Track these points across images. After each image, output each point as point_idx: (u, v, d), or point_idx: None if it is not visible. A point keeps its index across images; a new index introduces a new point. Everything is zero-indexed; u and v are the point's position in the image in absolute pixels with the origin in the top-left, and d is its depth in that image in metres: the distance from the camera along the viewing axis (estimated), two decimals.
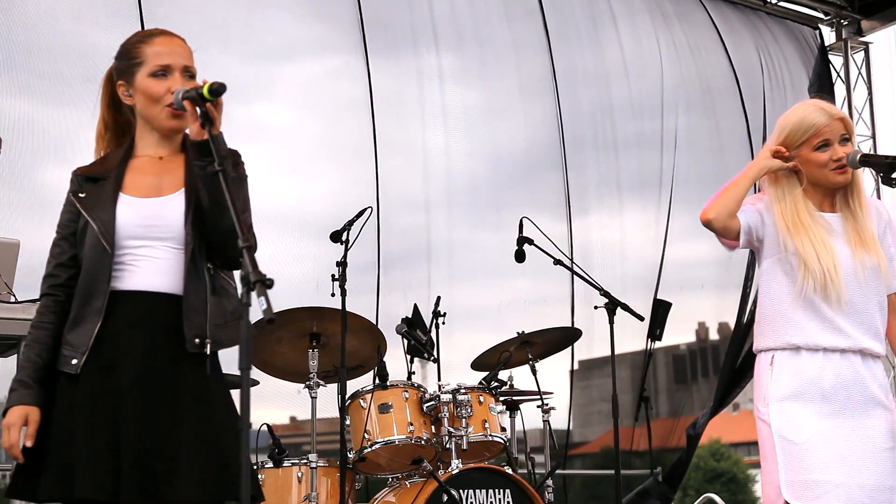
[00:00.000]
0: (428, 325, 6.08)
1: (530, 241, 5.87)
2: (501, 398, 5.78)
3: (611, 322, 5.73)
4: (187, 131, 3.17)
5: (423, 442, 5.29)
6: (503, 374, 5.93)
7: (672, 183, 9.69)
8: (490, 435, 5.42)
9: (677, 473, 9.55)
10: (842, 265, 3.61)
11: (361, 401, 5.33)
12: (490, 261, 8.77)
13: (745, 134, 10.15)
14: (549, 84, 9.33)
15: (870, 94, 11.19)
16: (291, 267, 8.19)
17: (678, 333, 11.27)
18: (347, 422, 5.35)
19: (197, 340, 3.05)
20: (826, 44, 11.21)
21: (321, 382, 5.30)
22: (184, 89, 3.02)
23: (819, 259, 3.59)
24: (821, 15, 11.28)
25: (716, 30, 10.28)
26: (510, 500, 5.24)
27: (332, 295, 5.08)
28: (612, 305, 5.72)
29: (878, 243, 3.71)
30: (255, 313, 5.22)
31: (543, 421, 6.01)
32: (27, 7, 7.25)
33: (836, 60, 11.23)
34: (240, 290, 2.67)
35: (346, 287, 5.08)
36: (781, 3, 10.97)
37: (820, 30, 11.27)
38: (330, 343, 5.34)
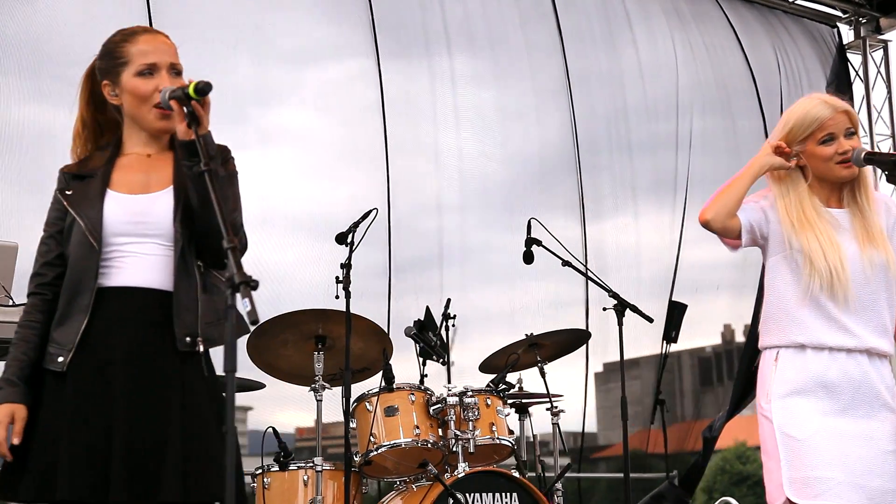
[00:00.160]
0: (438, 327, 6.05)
1: (538, 243, 5.82)
2: (510, 401, 5.74)
3: (619, 324, 5.68)
4: None
5: (429, 445, 5.25)
6: (513, 377, 5.90)
7: (687, 185, 9.63)
8: (498, 438, 5.37)
9: (693, 477, 9.48)
10: (849, 262, 3.55)
11: (367, 404, 5.29)
12: (504, 263, 8.73)
13: (762, 134, 10.05)
14: (562, 86, 9.29)
15: (889, 92, 11.09)
16: (309, 270, 8.19)
17: (704, 336, 11.23)
18: (353, 425, 5.33)
19: (188, 339, 3.03)
20: (844, 42, 11.11)
21: (327, 385, 5.27)
22: (170, 88, 2.98)
23: (825, 256, 3.53)
24: (839, 13, 11.18)
25: (732, 29, 10.22)
26: (517, 503, 5.20)
27: (337, 297, 5.04)
28: (621, 307, 5.67)
29: (886, 239, 3.65)
30: (265, 315, 5.26)
31: (553, 424, 5.97)
32: (43, 14, 7.28)
33: (854, 59, 11.13)
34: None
35: (350, 289, 5.04)
36: (799, 2, 10.89)
37: (838, 28, 11.18)
38: (336, 346, 5.31)
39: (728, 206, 3.57)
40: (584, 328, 8.46)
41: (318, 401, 5.25)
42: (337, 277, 5.07)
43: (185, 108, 2.93)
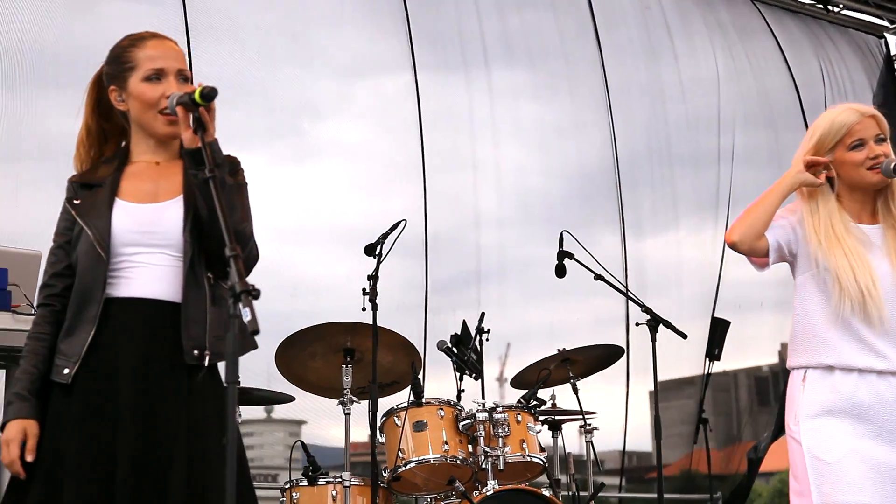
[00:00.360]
0: (471, 343, 5.96)
1: (571, 256, 5.72)
2: (543, 417, 5.64)
3: (653, 339, 5.56)
4: None
5: (458, 462, 5.16)
6: (546, 393, 5.81)
7: (730, 199, 9.50)
8: (528, 455, 5.27)
9: (738, 498, 9.34)
10: (881, 281, 3.43)
11: (396, 418, 5.21)
12: (545, 279, 8.64)
13: None
14: (602, 99, 9.20)
15: None
16: (358, 283, 8.17)
17: (761, 355, 11.08)
18: (382, 439, 5.25)
19: (195, 352, 2.97)
20: (892, 53, 10.93)
21: (355, 399, 5.20)
22: (178, 94, 2.94)
23: (856, 277, 3.40)
24: (886, 23, 11.00)
25: (775, 40, 10.08)
26: None
27: (363, 309, 4.97)
28: (654, 322, 5.55)
29: None
30: (293, 326, 5.22)
31: (586, 442, 5.86)
32: (92, 30, 7.33)
33: None
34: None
35: (376, 301, 4.97)
36: (844, 12, 10.72)
37: (885, 38, 11.00)
38: (364, 359, 5.25)
39: (756, 227, 3.46)
40: (624, 345, 8.34)
41: (346, 414, 5.19)
42: (364, 289, 5.00)
43: (191, 115, 2.87)
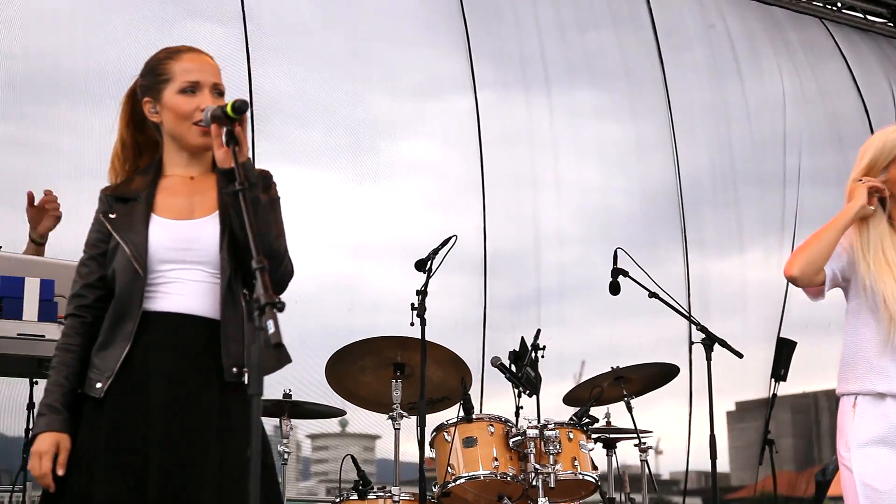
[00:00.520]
0: (526, 359, 5.94)
1: (625, 273, 5.68)
2: (596, 435, 5.61)
3: (708, 358, 5.48)
4: None
5: (508, 478, 5.13)
6: (601, 412, 5.78)
7: (796, 221, 9.38)
8: (580, 473, 5.22)
9: None
10: None
11: (446, 434, 5.20)
12: (607, 298, 8.62)
13: None
14: (664, 118, 9.15)
15: None
16: (439, 301, 8.23)
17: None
18: (431, 454, 5.25)
19: (234, 370, 2.97)
20: None
21: (404, 414, 5.20)
22: (212, 107, 2.94)
23: None
24: None
25: (844, 59, 9.95)
26: None
27: (412, 324, 4.97)
28: (709, 341, 5.48)
29: None
30: (350, 337, 5.25)
31: (641, 461, 5.81)
32: (149, 48, 7.44)
33: None
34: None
35: (425, 316, 4.96)
36: None
37: None
38: (414, 374, 5.24)
39: (816, 262, 3.40)
40: (687, 364, 8.29)
41: (395, 429, 5.19)
42: (412, 304, 5.00)
43: (224, 129, 2.89)
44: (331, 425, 8.32)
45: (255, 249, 2.66)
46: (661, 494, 6.83)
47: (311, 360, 5.89)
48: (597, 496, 5.57)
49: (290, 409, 5.36)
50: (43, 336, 3.83)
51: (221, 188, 3.00)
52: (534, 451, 5.15)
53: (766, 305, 9.32)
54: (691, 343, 8.14)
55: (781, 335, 8.99)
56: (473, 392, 8.06)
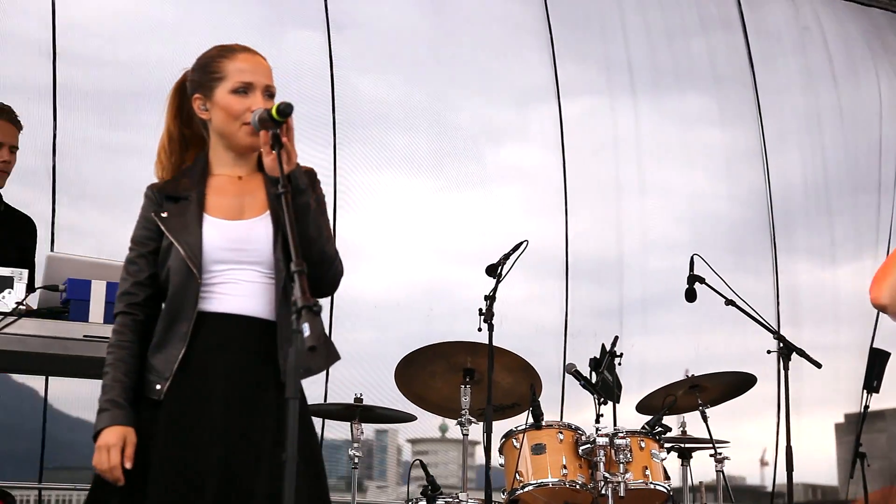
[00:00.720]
0: (602, 365, 5.88)
1: (701, 280, 5.59)
2: (669, 444, 5.52)
3: (785, 368, 5.37)
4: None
5: (577, 486, 5.08)
6: (676, 421, 5.69)
7: (891, 231, 9.15)
8: (651, 483, 5.15)
9: None
10: None
11: (514, 440, 5.17)
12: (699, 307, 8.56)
13: None
14: (754, 124, 8.99)
15: None
16: (533, 307, 8.25)
17: None
18: (501, 462, 5.23)
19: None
20: None
21: (472, 419, 5.18)
22: (260, 110, 2.95)
23: None
24: None
25: None
26: None
27: (479, 330, 4.95)
28: (787, 350, 5.36)
29: None
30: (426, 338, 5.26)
31: (717, 471, 5.70)
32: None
33: None
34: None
35: (493, 322, 4.94)
36: None
37: None
38: (484, 379, 5.21)
39: None
40: (779, 379, 8.14)
41: (464, 435, 5.18)
42: (480, 310, 4.97)
43: (270, 133, 2.90)
44: (432, 430, 8.36)
45: (294, 252, 2.67)
46: None
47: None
48: None
49: (361, 413, 5.36)
50: (108, 338, 3.88)
51: (270, 192, 3.01)
52: (604, 459, 5.09)
53: (859, 315, 9.11)
54: (780, 353, 8.04)
55: (875, 346, 8.80)
56: (555, 400, 8.06)
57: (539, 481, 5.07)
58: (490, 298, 5.00)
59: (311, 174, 3.12)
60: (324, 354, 3.13)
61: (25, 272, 3.93)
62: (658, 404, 5.55)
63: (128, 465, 2.91)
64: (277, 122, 2.88)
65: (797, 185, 9.20)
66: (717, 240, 8.86)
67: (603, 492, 5.06)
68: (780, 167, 9.11)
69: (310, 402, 6.57)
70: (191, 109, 3.17)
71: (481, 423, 5.22)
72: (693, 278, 5.60)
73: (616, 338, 5.94)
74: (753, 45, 9.22)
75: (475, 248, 8.02)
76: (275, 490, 2.86)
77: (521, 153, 8.72)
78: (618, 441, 5.10)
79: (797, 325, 8.75)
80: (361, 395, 5.41)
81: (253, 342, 2.99)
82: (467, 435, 5.19)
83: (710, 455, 5.69)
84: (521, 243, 5.19)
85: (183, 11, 7.84)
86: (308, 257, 2.96)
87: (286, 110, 2.87)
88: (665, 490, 5.21)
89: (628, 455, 5.09)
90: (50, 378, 6.87)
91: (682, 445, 5.69)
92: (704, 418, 5.55)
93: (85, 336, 3.90)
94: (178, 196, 3.09)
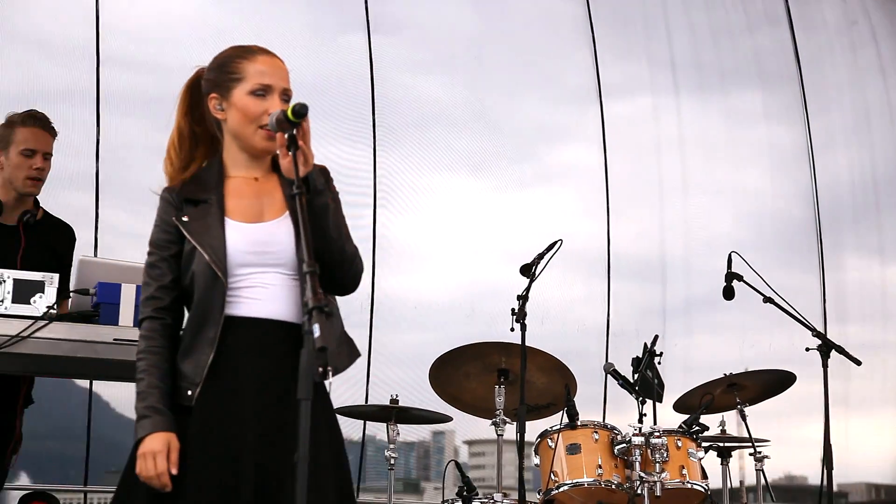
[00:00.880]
0: (641, 366, 5.84)
1: (739, 277, 5.53)
2: (707, 444, 5.47)
3: (824, 366, 5.31)
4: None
5: (613, 486, 5.05)
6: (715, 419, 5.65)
7: None
8: (689, 482, 5.10)
9: None
10: None
11: (549, 440, 5.15)
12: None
13: None
14: (800, 119, 8.90)
15: None
16: (589, 307, 8.25)
17: None
18: (536, 462, 5.22)
19: (320, 370, 3.00)
20: None
21: (507, 420, 5.17)
22: (277, 112, 2.92)
23: None
24: None
25: None
26: None
27: (511, 330, 4.93)
28: (826, 347, 5.30)
29: None
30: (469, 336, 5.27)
31: (757, 470, 5.65)
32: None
33: None
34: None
35: (525, 322, 4.91)
36: None
37: None
38: (518, 379, 5.20)
39: None
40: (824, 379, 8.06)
41: (498, 435, 5.16)
42: (512, 310, 4.95)
43: (286, 134, 2.89)
44: (489, 431, 8.37)
45: (307, 253, 2.68)
46: None
47: None
48: None
49: (397, 414, 5.37)
50: (137, 341, 3.91)
51: (287, 193, 3.00)
52: (639, 458, 5.06)
53: None
54: (819, 351, 7.96)
55: None
56: (598, 400, 8.04)
57: (574, 481, 5.04)
58: (523, 298, 4.98)
59: (324, 172, 3.07)
60: (346, 353, 3.16)
61: (56, 276, 3.96)
62: (696, 403, 5.51)
63: (173, 471, 2.88)
64: (293, 122, 2.87)
65: (845, 183, 9.09)
66: (763, 238, 8.78)
67: (639, 491, 5.02)
68: (827, 165, 9.01)
69: (351, 403, 6.64)
70: (203, 107, 3.14)
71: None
72: (731, 276, 5.54)
73: (656, 337, 5.90)
74: (800, 41, 9.12)
75: (517, 248, 8.03)
76: (313, 487, 2.88)
77: (563, 153, 8.72)
78: (654, 440, 5.06)
79: (844, 323, 8.65)
80: (397, 396, 5.42)
81: (281, 345, 2.98)
82: (502, 435, 5.17)
83: (750, 454, 5.64)
84: (556, 242, 5.16)
85: (227, 16, 7.92)
86: (330, 257, 3.00)
87: (301, 111, 2.84)
88: (703, 489, 5.16)
89: (664, 454, 5.05)
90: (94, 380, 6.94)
91: (721, 444, 5.63)
92: (743, 417, 5.50)
93: (115, 339, 3.92)
94: (197, 199, 3.06)
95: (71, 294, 4.07)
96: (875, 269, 9.10)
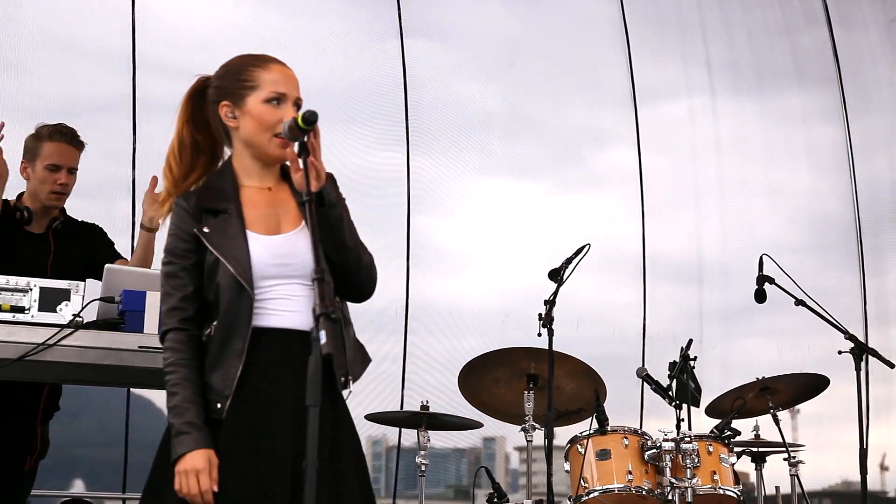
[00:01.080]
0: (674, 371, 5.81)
1: (771, 280, 5.49)
2: (740, 448, 5.43)
3: (857, 369, 5.25)
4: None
5: (643, 492, 5.01)
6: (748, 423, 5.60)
7: None
8: (720, 488, 5.05)
9: None
10: None
11: (579, 446, 5.12)
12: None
13: None
14: (839, 119, 8.82)
15: None
16: (630, 311, 8.22)
17: None
18: (566, 468, 5.19)
19: (342, 379, 3.02)
20: None
21: (536, 426, 5.15)
22: (289, 120, 2.93)
23: None
24: None
25: None
26: None
27: (539, 335, 4.91)
28: (859, 350, 5.24)
29: None
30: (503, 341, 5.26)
31: (791, 476, 5.60)
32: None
33: None
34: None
35: (553, 327, 4.89)
36: None
37: None
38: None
39: None
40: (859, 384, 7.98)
41: (528, 441, 5.15)
42: (539, 314, 4.93)
43: (297, 142, 2.91)
44: (539, 438, 8.34)
45: (315, 260, 2.70)
46: None
47: None
48: None
49: (427, 420, 5.37)
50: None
51: (300, 202, 2.99)
52: (670, 464, 5.02)
53: None
54: (852, 353, 7.88)
55: None
56: (635, 405, 7.99)
57: (604, 487, 5.01)
58: (550, 303, 4.96)
59: (332, 179, 3.07)
60: (359, 359, 3.16)
61: (83, 285, 3.99)
62: (728, 407, 5.46)
63: (215, 489, 2.86)
64: (304, 130, 2.88)
65: (885, 183, 8.99)
66: (802, 240, 8.71)
67: (670, 497, 4.98)
68: (867, 165, 8.92)
69: (386, 409, 6.65)
70: (207, 116, 3.15)
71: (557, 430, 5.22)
72: (762, 279, 5.50)
73: (690, 341, 5.86)
74: (839, 40, 9.03)
75: (551, 253, 8.01)
76: (339, 494, 2.92)
77: (599, 157, 8.69)
78: (684, 445, 5.02)
79: (886, 326, 8.56)
80: (428, 402, 5.42)
81: (303, 357, 2.92)
82: (531, 441, 5.16)
83: (784, 459, 5.59)
84: (584, 247, 5.15)
85: (261, 23, 7.96)
86: (348, 266, 3.05)
87: (311, 118, 2.85)
88: (735, 495, 5.11)
89: (695, 460, 5.01)
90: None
91: (755, 449, 5.59)
92: (776, 421, 5.45)
93: (140, 347, 3.93)
94: (215, 209, 3.05)
95: (94, 300, 4.09)
96: None
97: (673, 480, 4.98)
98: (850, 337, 5.29)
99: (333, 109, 7.66)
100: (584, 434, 5.13)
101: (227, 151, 3.19)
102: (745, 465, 5.69)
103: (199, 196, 3.08)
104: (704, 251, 8.76)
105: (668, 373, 5.62)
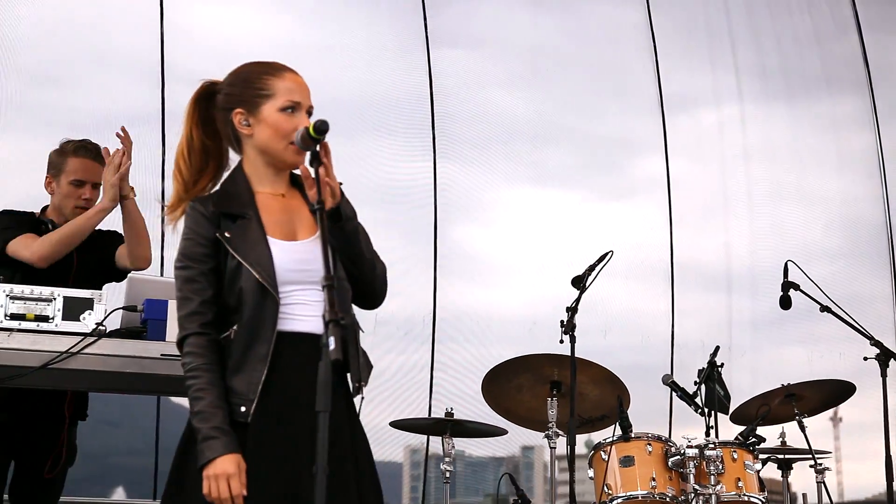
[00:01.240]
0: (702, 377, 5.80)
1: (796, 287, 5.47)
2: (765, 455, 5.41)
3: (883, 375, 5.23)
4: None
5: (667, 499, 5.00)
6: (774, 430, 5.57)
7: None
8: (745, 494, 5.03)
9: None
10: None
11: (602, 453, 5.12)
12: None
13: None
14: (869, 126, 8.78)
15: None
16: (681, 320, 8.21)
17: None
18: (590, 474, 5.19)
19: (356, 385, 3.05)
20: None
21: (559, 432, 5.15)
22: (302, 129, 2.97)
23: None
24: None
25: None
26: None
27: (561, 342, 4.91)
28: (885, 357, 5.21)
29: None
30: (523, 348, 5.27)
31: (817, 483, 5.57)
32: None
33: None
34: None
35: (575, 333, 4.89)
36: None
37: None
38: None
39: None
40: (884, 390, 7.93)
41: (551, 448, 5.16)
42: (561, 321, 4.93)
43: (309, 151, 2.94)
44: (579, 447, 8.37)
45: (324, 267, 2.73)
46: None
47: None
48: None
49: (452, 427, 5.38)
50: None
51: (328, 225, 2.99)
52: (694, 471, 5.01)
53: None
54: (878, 360, 7.82)
55: None
56: (662, 413, 7.97)
57: (627, 494, 5.01)
58: (572, 310, 4.96)
59: (341, 190, 3.09)
60: (367, 365, 3.19)
61: (105, 293, 4.04)
62: (753, 414, 5.44)
63: (244, 493, 2.88)
64: (315, 139, 2.91)
65: None
66: (833, 246, 8.66)
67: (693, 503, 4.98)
68: None
69: (414, 415, 6.68)
70: (215, 121, 3.16)
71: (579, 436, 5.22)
72: (787, 285, 5.48)
73: (717, 348, 5.85)
74: (869, 45, 8.98)
75: (578, 260, 8.03)
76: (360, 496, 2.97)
77: (628, 165, 8.67)
78: (708, 452, 5.01)
79: None
80: (452, 409, 5.43)
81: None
82: (555, 448, 5.16)
83: (811, 466, 5.56)
84: (607, 254, 5.15)
85: (288, 34, 8.02)
86: (364, 275, 3.11)
87: (322, 127, 2.88)
88: (760, 502, 5.09)
89: (720, 466, 5.00)
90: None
91: (781, 456, 5.56)
92: (802, 428, 5.42)
93: (162, 355, 3.96)
94: (234, 214, 3.07)
95: (118, 309, 4.13)
96: None
97: (697, 487, 4.97)
98: (876, 343, 5.26)
99: (362, 120, 7.73)
100: (607, 440, 5.13)
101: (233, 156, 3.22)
102: (772, 471, 5.67)
103: (217, 201, 3.10)
104: (734, 259, 8.74)
105: (695, 380, 5.63)
